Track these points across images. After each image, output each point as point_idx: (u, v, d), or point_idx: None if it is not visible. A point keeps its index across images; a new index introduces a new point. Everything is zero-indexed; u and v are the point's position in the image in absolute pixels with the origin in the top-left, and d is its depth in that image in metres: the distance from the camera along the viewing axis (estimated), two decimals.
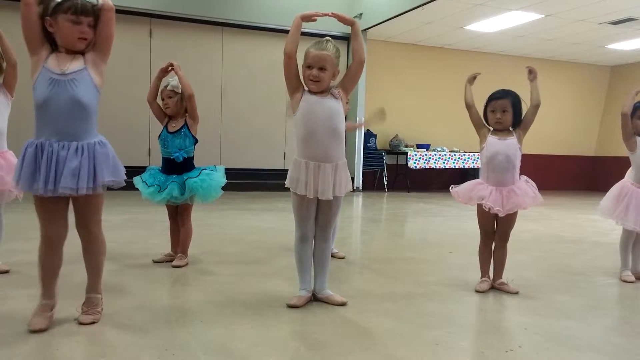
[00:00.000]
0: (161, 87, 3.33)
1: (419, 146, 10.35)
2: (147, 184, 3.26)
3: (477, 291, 2.90)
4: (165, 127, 3.35)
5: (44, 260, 2.13)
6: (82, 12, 2.01)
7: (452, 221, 6.38)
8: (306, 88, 2.51)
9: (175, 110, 3.30)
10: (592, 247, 4.59)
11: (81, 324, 2.14)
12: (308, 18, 2.51)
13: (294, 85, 2.51)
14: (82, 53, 2.09)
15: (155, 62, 8.75)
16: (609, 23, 8.57)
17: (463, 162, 10.31)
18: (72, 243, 2.23)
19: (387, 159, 10.32)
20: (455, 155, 10.26)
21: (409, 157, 9.85)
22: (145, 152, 8.85)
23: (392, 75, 10.50)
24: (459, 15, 8.54)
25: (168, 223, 3.47)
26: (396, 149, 10.30)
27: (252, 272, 3.28)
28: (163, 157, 3.35)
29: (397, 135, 10.48)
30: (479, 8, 8.08)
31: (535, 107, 2.93)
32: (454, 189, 3.13)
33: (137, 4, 8.50)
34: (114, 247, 3.78)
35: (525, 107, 2.96)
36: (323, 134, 2.44)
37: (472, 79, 3.19)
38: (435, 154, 10.10)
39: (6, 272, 3.00)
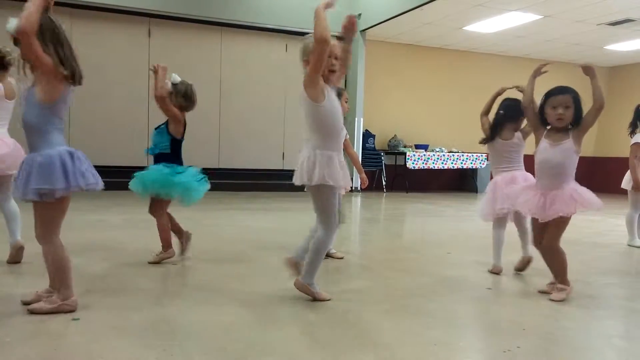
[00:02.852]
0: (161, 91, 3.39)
1: (418, 146, 10.35)
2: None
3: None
4: (164, 125, 3.47)
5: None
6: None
7: (451, 221, 6.38)
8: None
9: (163, 110, 3.37)
10: (591, 248, 4.60)
11: (23, 303, 2.32)
12: (329, 6, 2.56)
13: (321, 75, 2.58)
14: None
15: (154, 61, 8.68)
16: (607, 24, 8.58)
17: (461, 163, 10.32)
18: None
19: (385, 160, 10.32)
20: (453, 155, 10.26)
21: (407, 157, 9.85)
22: (144, 152, 8.84)
23: (391, 75, 10.50)
24: (457, 15, 8.55)
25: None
26: (395, 150, 10.30)
27: (251, 271, 3.28)
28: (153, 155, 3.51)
29: (395, 135, 10.48)
30: (477, 9, 8.09)
31: (598, 109, 2.77)
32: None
33: (135, 4, 8.49)
34: (112, 247, 3.78)
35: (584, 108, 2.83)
36: (341, 130, 2.66)
37: (539, 72, 2.96)
38: (433, 155, 10.10)
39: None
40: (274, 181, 9.33)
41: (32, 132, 2.21)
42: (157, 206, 3.40)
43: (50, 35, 2.15)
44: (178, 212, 3.57)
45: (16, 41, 2.12)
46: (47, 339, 2.02)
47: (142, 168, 3.54)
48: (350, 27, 2.65)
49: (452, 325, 2.37)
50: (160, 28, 8.87)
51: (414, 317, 2.47)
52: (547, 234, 2.85)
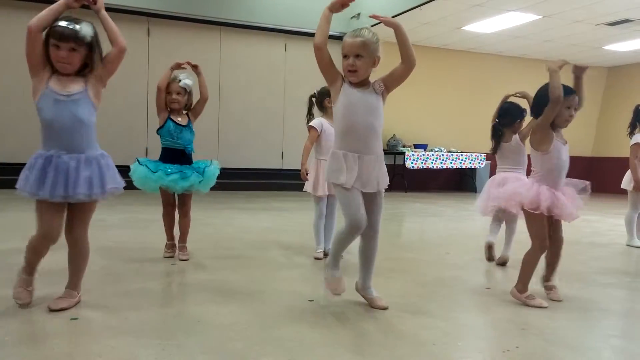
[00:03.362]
0: (169, 80, 3.39)
1: (417, 146, 10.36)
2: (166, 172, 3.29)
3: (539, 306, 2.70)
4: (171, 119, 3.41)
5: (35, 246, 2.29)
6: (62, 38, 2.18)
7: (450, 221, 6.39)
8: (346, 80, 2.49)
9: (181, 106, 3.44)
10: (590, 248, 4.60)
11: (51, 310, 2.27)
12: (337, 8, 2.43)
13: (331, 77, 2.50)
14: (80, 74, 2.28)
15: (153, 61, 8.74)
16: (606, 24, 8.60)
17: (460, 163, 10.32)
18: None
19: (384, 159, 10.32)
20: (452, 155, 10.27)
21: (406, 157, 9.85)
22: (143, 151, 8.83)
23: None
24: (456, 15, 8.55)
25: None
26: (394, 149, 10.30)
27: (249, 271, 3.28)
28: (167, 148, 3.41)
29: (394, 135, 10.49)
30: (476, 9, 8.09)
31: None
32: (496, 194, 2.99)
33: (135, 3, 8.48)
34: (111, 246, 3.78)
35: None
36: (362, 129, 2.46)
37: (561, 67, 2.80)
38: (432, 154, 10.11)
39: None
40: (273, 181, 9.34)
41: (82, 131, 2.26)
42: (190, 201, 3.49)
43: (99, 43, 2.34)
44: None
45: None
46: (46, 338, 2.02)
47: None
48: (382, 22, 2.55)
49: (450, 325, 2.37)
50: (160, 27, 8.87)
51: (412, 316, 2.47)
52: (559, 230, 2.89)
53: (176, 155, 3.40)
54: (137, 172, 3.30)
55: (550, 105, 2.64)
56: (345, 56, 2.42)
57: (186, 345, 1.98)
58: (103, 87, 2.38)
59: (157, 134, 3.44)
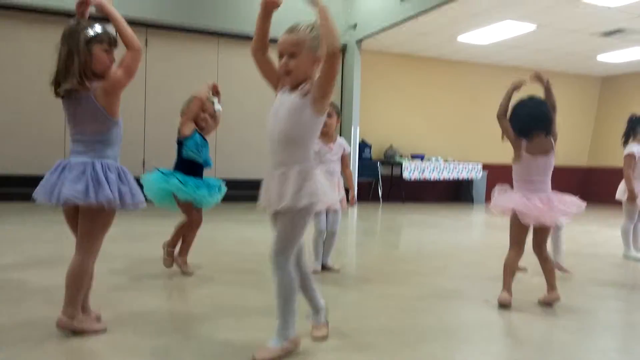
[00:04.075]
0: (205, 101, 3.52)
1: (414, 156, 10.38)
2: (196, 187, 3.34)
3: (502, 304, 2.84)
4: (200, 134, 3.49)
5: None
6: (101, 40, 2.28)
7: (447, 232, 6.39)
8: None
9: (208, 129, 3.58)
10: (587, 259, 4.60)
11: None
12: (271, 5, 2.06)
13: (273, 84, 2.17)
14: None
15: (151, 71, 8.76)
16: (600, 34, 8.67)
17: (457, 173, 10.34)
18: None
19: (382, 170, 10.34)
20: (449, 165, 10.29)
21: (403, 167, 9.87)
22: (140, 162, 8.82)
23: (387, 85, 10.55)
24: (452, 26, 8.61)
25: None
26: (391, 160, 10.32)
27: (248, 284, 3.26)
28: (189, 160, 3.41)
29: (391, 145, 10.51)
30: (472, 18, 8.15)
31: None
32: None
33: (132, 14, 8.50)
34: (108, 260, 3.75)
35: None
36: (272, 138, 2.08)
37: (519, 86, 3.01)
38: (430, 165, 10.13)
39: None
40: None
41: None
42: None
43: None
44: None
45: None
46: (49, 356, 2.01)
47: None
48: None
49: (448, 338, 2.37)
50: (158, 38, 8.89)
51: (410, 329, 2.46)
52: (541, 239, 3.00)
53: (196, 168, 3.43)
54: (191, 192, 3.28)
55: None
56: (280, 56, 2.04)
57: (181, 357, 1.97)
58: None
59: (180, 142, 3.43)
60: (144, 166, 8.80)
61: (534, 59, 10.59)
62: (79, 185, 2.07)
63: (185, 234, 3.47)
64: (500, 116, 2.99)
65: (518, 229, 2.92)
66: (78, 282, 2.16)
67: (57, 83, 2.17)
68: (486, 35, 9.06)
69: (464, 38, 9.30)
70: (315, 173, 2.04)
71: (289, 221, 2.01)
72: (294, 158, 2.02)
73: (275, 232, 2.08)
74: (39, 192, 2.16)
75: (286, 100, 2.05)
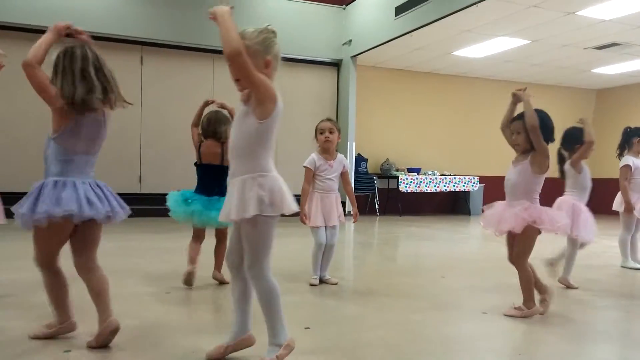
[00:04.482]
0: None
1: (410, 170, 10.40)
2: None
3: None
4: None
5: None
6: None
7: (444, 245, 6.37)
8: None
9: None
10: (585, 270, 4.58)
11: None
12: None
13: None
14: None
15: (146, 89, 8.79)
16: (594, 48, 8.76)
17: (454, 186, 10.36)
18: (70, 267, 2.19)
19: (378, 183, 10.35)
20: (446, 178, 10.31)
21: (400, 181, 9.88)
22: (137, 179, 8.80)
23: (382, 100, 10.61)
24: (447, 41, 8.69)
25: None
26: (387, 173, 10.33)
27: None
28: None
29: (387, 159, 10.53)
30: (466, 34, 8.24)
31: (531, 128, 2.85)
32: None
33: (128, 32, 8.57)
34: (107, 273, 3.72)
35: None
36: (230, 149, 2.07)
37: (518, 98, 3.00)
38: (426, 178, 10.14)
39: None
40: None
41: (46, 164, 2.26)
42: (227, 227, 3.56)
43: (62, 65, 2.19)
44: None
45: None
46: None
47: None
48: None
49: (448, 351, 2.35)
50: (153, 55, 8.94)
51: (409, 342, 2.44)
52: (515, 250, 2.96)
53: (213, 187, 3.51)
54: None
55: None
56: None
57: None
58: (56, 111, 2.20)
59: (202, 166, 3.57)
60: (140, 182, 8.80)
61: (528, 73, 10.68)
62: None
63: (215, 250, 3.62)
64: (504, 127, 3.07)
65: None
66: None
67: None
68: (481, 50, 9.14)
69: (459, 53, 9.39)
70: (266, 181, 1.94)
71: (251, 232, 1.97)
72: (244, 168, 1.96)
73: (244, 242, 2.02)
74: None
75: (240, 112, 2.05)
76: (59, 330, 2.33)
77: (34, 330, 2.34)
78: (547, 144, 2.91)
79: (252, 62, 1.90)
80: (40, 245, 2.25)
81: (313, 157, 3.67)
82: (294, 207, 2.00)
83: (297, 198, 2.44)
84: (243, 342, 2.14)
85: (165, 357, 2.15)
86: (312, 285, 3.63)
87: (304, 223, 3.59)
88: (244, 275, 2.06)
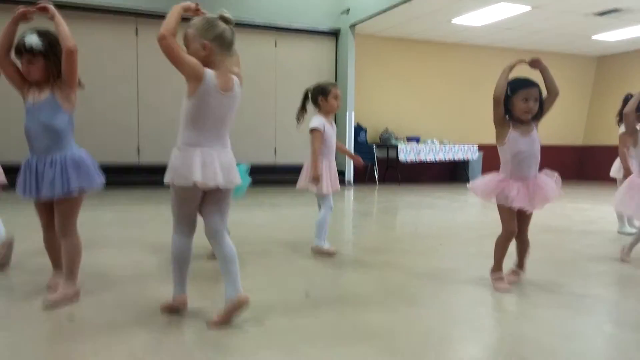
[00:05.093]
0: None
1: (409, 139, 10.38)
2: None
3: (499, 291, 2.77)
4: None
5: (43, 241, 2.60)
6: (17, 51, 2.33)
7: (443, 213, 6.42)
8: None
9: None
10: (581, 236, 4.64)
11: (47, 305, 2.34)
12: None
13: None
14: (48, 82, 2.37)
15: (142, 60, 8.70)
16: (595, 14, 8.64)
17: (453, 154, 10.36)
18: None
19: (377, 153, 10.34)
20: (445, 147, 10.30)
21: (399, 150, 9.88)
22: (135, 150, 8.80)
23: (381, 69, 10.51)
24: (446, 9, 8.56)
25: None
26: (386, 143, 10.32)
27: (247, 268, 3.27)
28: None
29: (387, 128, 10.50)
30: (466, 1, 8.11)
31: (555, 98, 2.81)
32: (473, 185, 3.03)
33: (122, 3, 8.43)
34: (104, 245, 3.77)
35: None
36: None
37: (512, 67, 2.78)
38: (425, 147, 10.14)
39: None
40: (266, 176, 9.33)
41: (51, 136, 2.37)
42: None
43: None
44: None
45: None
46: (43, 338, 2.03)
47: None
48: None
49: (445, 316, 2.40)
50: (148, 27, 8.80)
51: (408, 309, 2.49)
52: (525, 224, 2.91)
53: None
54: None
55: (494, 103, 2.78)
56: None
57: (181, 340, 1.99)
58: (72, 89, 2.40)
59: None
60: (138, 153, 8.79)
61: (529, 40, 10.55)
62: None
63: None
64: (501, 98, 2.77)
65: (508, 211, 2.86)
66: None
67: None
68: (481, 17, 9.01)
69: (459, 20, 9.25)
70: (181, 154, 2.16)
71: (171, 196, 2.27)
72: (178, 138, 2.22)
73: None
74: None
75: None
76: (75, 295, 2.45)
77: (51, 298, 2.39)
78: None
79: (192, 46, 2.20)
80: (78, 211, 2.48)
81: (321, 120, 3.57)
82: (196, 179, 2.12)
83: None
84: (233, 305, 2.19)
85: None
86: (332, 253, 3.61)
87: (318, 186, 3.53)
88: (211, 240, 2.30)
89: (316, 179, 3.51)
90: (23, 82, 2.39)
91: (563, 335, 2.16)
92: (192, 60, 2.12)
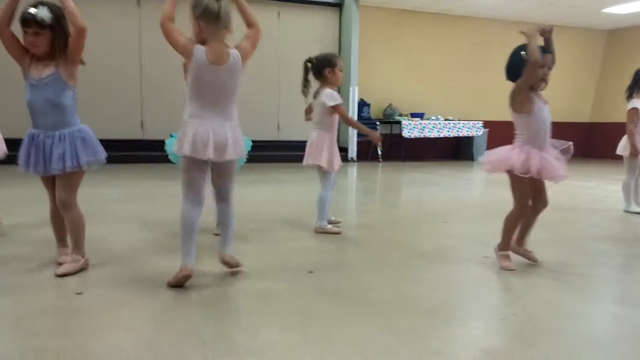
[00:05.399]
0: None
1: (413, 115, 10.28)
2: None
3: (505, 269, 2.76)
4: None
5: (50, 216, 2.66)
6: (25, 23, 2.31)
7: (446, 190, 6.39)
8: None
9: None
10: (587, 215, 4.61)
11: (57, 275, 2.45)
12: None
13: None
14: (52, 58, 2.39)
15: (145, 31, 8.58)
16: None
17: (457, 131, 10.27)
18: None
19: (381, 129, 10.25)
20: (449, 123, 10.20)
21: (403, 126, 9.79)
22: (138, 124, 8.75)
23: (386, 42, 10.34)
24: None
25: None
26: (390, 118, 10.23)
27: (250, 247, 3.27)
28: None
29: (390, 104, 10.40)
30: None
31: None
32: (487, 157, 2.84)
33: None
34: (110, 221, 3.77)
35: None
36: None
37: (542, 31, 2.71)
38: (429, 123, 10.04)
39: None
40: (269, 152, 9.29)
41: (56, 111, 2.40)
42: None
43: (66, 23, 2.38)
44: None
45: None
46: (53, 313, 2.03)
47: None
48: None
49: (448, 294, 2.39)
50: None
51: (410, 286, 2.48)
52: (544, 190, 2.84)
53: None
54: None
55: (530, 68, 2.64)
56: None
57: (189, 316, 1.99)
58: (75, 65, 2.44)
59: None
60: (142, 128, 8.75)
61: (537, 13, 10.34)
62: None
63: None
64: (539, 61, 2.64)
65: (525, 186, 2.77)
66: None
67: None
68: None
69: None
70: (182, 127, 2.33)
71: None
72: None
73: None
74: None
75: None
76: (84, 265, 2.58)
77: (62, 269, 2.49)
78: None
79: (194, 28, 2.35)
80: (79, 184, 2.55)
81: (337, 94, 3.53)
82: (185, 152, 2.29)
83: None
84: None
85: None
86: (338, 233, 3.60)
87: (329, 162, 3.51)
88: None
89: (377, 138, 3.50)
90: (23, 54, 2.39)
91: (567, 315, 2.15)
92: (181, 39, 2.29)
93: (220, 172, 2.44)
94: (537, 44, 2.66)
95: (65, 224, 2.56)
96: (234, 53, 2.35)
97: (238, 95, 2.42)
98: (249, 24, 2.46)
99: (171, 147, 3.35)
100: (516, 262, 2.87)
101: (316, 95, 3.56)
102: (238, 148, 2.38)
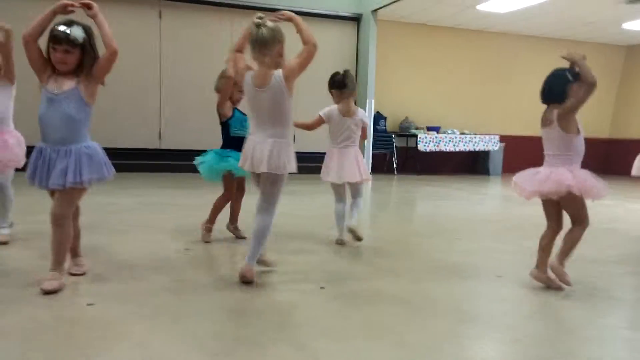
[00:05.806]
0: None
1: (430, 128, 10.26)
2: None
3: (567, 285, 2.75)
4: (237, 109, 3.64)
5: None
6: (55, 40, 2.34)
7: (461, 205, 6.35)
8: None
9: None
10: (605, 234, 4.54)
11: (44, 291, 2.37)
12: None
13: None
14: (75, 74, 2.41)
15: (165, 44, 8.73)
16: (625, 1, 8.37)
17: (474, 145, 10.22)
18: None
19: (397, 142, 10.26)
20: (465, 137, 10.16)
21: (419, 139, 9.77)
22: (157, 135, 8.86)
23: (403, 56, 10.38)
24: None
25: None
26: (406, 132, 10.22)
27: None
28: (237, 137, 3.51)
29: (407, 117, 10.40)
30: None
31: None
32: (531, 186, 2.80)
33: None
34: (125, 230, 3.82)
35: None
36: None
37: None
38: (445, 137, 10.01)
39: (5, 243, 3.27)
40: None
41: (70, 127, 2.41)
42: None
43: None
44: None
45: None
46: (64, 324, 2.06)
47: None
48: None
49: (460, 313, 2.37)
50: (171, 10, 8.83)
51: (423, 303, 2.47)
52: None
53: (239, 143, 3.48)
54: (206, 161, 3.52)
55: (588, 89, 2.71)
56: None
57: (198, 328, 2.01)
58: (98, 84, 2.49)
59: (224, 123, 3.60)
60: (160, 139, 8.86)
61: (555, 28, 10.30)
62: None
63: (233, 204, 3.72)
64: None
65: (584, 202, 2.79)
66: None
67: None
68: (506, 3, 8.81)
69: (484, 7, 9.06)
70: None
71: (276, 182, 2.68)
72: None
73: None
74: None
75: None
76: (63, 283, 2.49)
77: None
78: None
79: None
80: (79, 201, 2.59)
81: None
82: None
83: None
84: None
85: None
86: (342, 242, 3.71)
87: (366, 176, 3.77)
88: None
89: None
90: (46, 68, 2.41)
91: (580, 338, 2.12)
92: (238, 68, 2.65)
93: (262, 182, 2.69)
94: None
95: (52, 238, 2.45)
96: (277, 75, 2.55)
97: (287, 114, 2.62)
98: (303, 42, 2.60)
99: (201, 166, 3.54)
100: (531, 281, 2.85)
101: (345, 113, 3.69)
102: (273, 162, 2.56)
